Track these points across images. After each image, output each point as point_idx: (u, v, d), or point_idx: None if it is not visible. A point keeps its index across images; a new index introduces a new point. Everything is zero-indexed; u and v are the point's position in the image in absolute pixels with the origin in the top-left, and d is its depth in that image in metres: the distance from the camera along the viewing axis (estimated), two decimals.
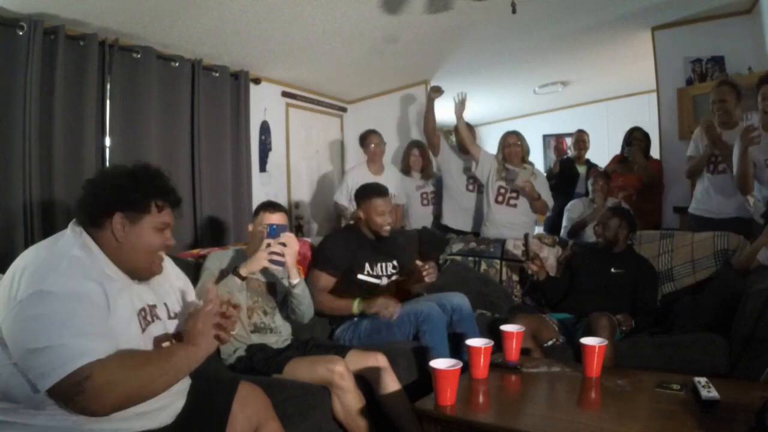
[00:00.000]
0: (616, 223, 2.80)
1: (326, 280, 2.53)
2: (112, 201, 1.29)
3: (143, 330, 1.32)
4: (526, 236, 2.96)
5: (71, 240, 1.28)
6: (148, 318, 1.35)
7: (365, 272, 2.60)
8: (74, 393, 1.10)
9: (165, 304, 1.44)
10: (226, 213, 3.33)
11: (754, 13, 3.58)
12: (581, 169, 4.44)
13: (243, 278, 2.06)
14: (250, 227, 2.29)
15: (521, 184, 3.39)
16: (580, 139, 4.54)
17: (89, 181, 1.36)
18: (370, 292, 2.55)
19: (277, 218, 2.20)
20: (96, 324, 1.18)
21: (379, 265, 2.65)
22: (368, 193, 2.61)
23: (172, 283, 1.52)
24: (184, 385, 1.49)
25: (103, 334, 1.18)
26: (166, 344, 1.38)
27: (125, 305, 1.29)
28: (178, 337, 1.44)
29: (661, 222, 3.95)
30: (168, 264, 1.53)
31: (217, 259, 2.26)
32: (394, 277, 2.71)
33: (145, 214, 1.32)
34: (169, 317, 1.44)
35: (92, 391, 1.10)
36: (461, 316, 2.48)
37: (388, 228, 2.62)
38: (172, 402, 1.41)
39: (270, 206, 2.26)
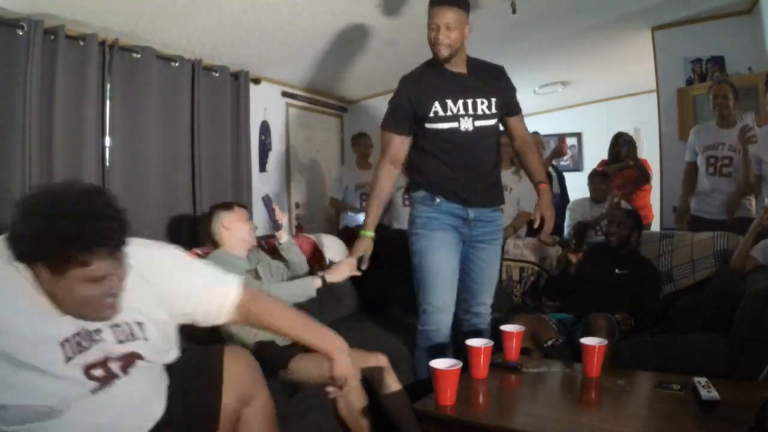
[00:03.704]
0: (631, 223, 2.82)
1: (386, 139, 2.08)
2: (28, 251, 1.07)
3: (67, 360, 1.11)
4: (578, 225, 2.79)
5: None
6: (84, 344, 1.15)
7: (431, 114, 1.97)
8: None
9: (113, 327, 1.21)
10: None
11: (754, 13, 3.58)
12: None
13: (327, 286, 2.20)
14: (220, 229, 2.27)
15: None
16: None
17: (13, 217, 1.08)
18: (448, 143, 2.00)
19: (240, 213, 2.30)
20: None
21: (459, 101, 1.98)
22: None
23: (130, 303, 1.22)
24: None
25: None
26: (98, 372, 1.16)
27: (39, 328, 1.10)
28: (131, 357, 1.23)
29: (652, 217, 4.03)
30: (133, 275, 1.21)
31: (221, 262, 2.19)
32: (485, 121, 2.03)
33: (69, 267, 1.05)
34: (120, 341, 1.21)
35: None
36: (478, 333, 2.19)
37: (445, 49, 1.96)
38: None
39: (224, 205, 2.33)
